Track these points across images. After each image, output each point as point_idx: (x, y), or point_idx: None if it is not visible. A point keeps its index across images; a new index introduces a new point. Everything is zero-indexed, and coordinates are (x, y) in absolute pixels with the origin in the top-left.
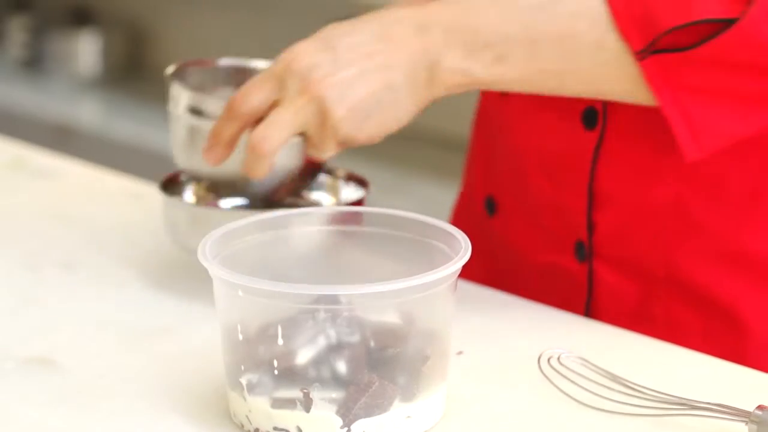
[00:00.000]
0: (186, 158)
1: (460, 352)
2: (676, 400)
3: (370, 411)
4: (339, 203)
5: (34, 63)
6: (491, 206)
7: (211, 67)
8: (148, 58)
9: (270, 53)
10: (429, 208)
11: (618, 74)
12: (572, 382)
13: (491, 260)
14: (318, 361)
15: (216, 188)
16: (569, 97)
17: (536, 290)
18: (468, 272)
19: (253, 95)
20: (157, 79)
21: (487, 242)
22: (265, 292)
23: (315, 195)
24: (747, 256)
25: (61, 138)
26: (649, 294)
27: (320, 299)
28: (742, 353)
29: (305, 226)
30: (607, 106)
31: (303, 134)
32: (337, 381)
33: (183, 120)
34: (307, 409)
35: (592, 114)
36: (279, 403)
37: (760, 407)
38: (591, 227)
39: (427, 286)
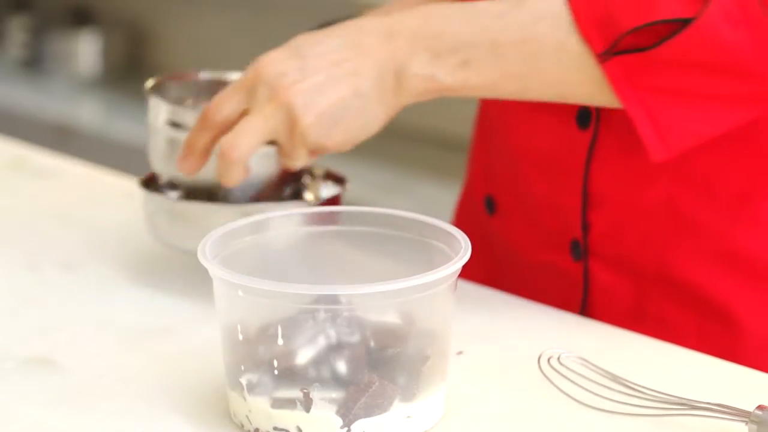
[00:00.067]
0: (165, 170)
1: (460, 352)
2: (676, 400)
3: (370, 411)
4: (317, 201)
5: (34, 63)
6: (491, 206)
7: (191, 80)
8: (148, 58)
9: None
10: (429, 208)
11: (581, 77)
12: (572, 382)
13: (491, 260)
14: (318, 361)
15: (195, 197)
16: None
17: (533, 289)
18: (468, 272)
19: (225, 104)
20: None
21: (487, 242)
22: (265, 292)
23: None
24: (739, 256)
25: (61, 138)
26: (644, 293)
27: (320, 299)
28: (735, 352)
29: (305, 226)
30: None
31: (275, 143)
32: (337, 381)
33: (162, 133)
34: (307, 409)
35: (586, 114)
36: (279, 403)
37: (760, 407)
38: (586, 226)
39: (427, 286)
